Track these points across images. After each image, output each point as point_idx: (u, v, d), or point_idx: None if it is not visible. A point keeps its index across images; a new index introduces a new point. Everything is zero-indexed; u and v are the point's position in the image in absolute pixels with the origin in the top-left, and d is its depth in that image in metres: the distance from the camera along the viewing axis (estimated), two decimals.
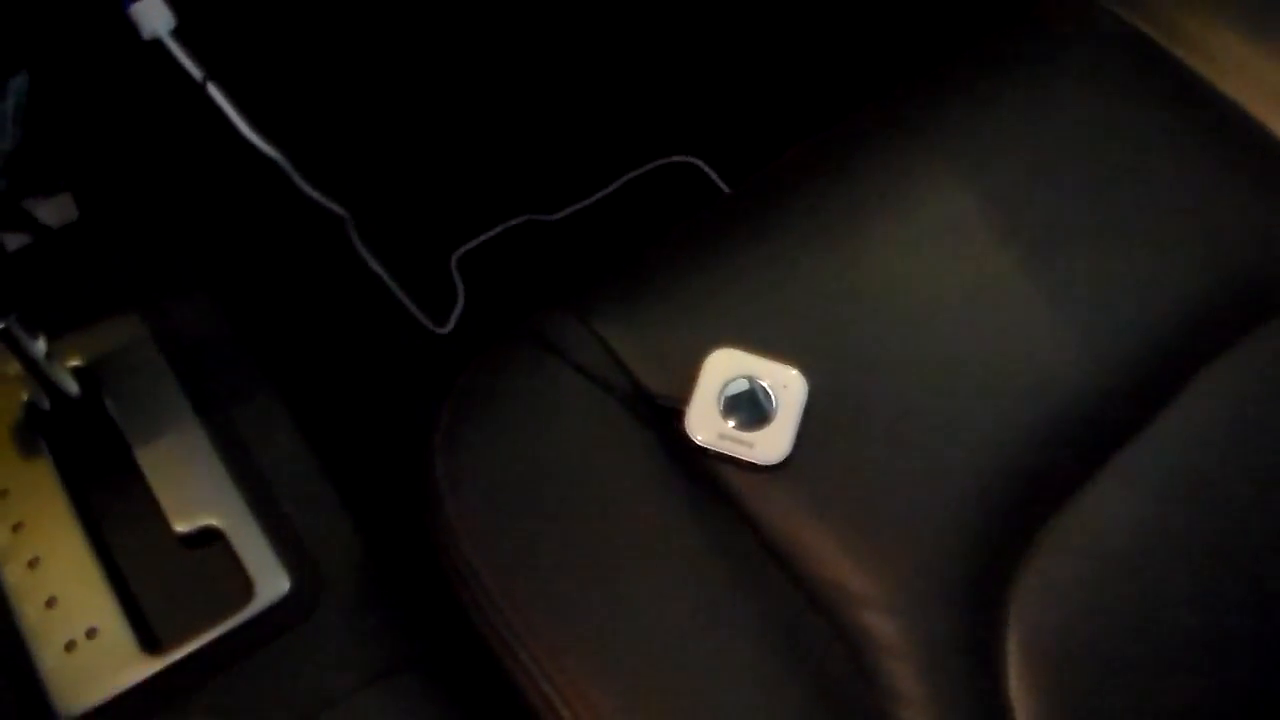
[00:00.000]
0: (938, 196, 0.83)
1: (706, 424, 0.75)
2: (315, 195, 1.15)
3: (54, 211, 1.04)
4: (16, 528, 0.93)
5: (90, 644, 0.88)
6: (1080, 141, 0.85)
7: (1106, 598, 0.70)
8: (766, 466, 0.74)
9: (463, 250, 1.32)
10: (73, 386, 0.95)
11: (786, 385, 0.76)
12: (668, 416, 0.75)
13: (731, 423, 0.75)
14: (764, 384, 0.76)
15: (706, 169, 1.39)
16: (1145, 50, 0.89)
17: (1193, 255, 0.81)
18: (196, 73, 1.00)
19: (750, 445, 0.74)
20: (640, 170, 1.39)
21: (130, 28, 0.98)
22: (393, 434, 1.08)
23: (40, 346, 0.90)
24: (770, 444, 0.74)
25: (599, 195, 1.37)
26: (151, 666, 0.87)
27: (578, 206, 1.37)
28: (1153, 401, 0.76)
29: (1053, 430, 0.75)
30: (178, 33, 0.99)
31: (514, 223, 1.35)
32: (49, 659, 0.88)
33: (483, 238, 1.33)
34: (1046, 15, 0.95)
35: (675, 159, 1.39)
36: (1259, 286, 0.80)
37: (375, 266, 1.25)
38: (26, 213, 1.02)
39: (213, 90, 1.01)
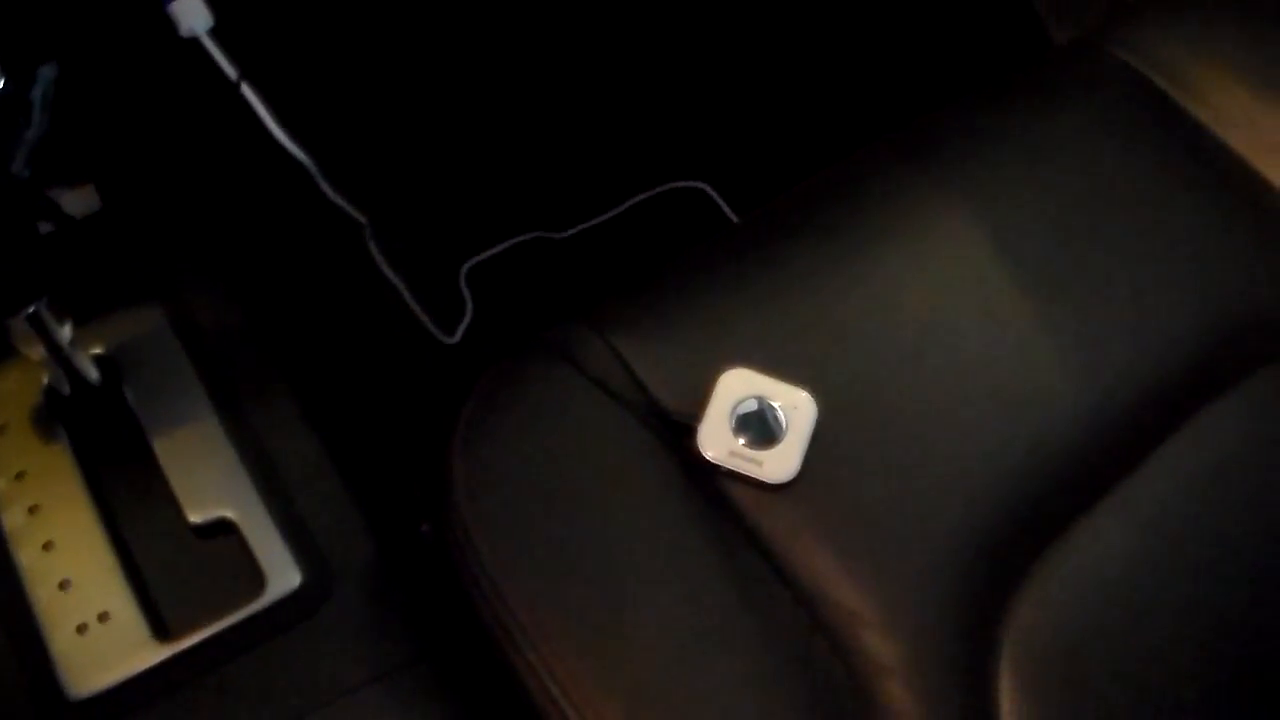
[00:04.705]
0: (948, 232, 0.84)
1: (718, 441, 0.75)
2: (337, 199, 1.16)
3: (77, 201, 1.05)
4: (33, 510, 0.94)
5: (102, 628, 0.89)
6: (1086, 184, 0.87)
7: (1097, 626, 0.72)
8: (775, 485, 0.75)
9: (472, 263, 1.33)
10: (93, 373, 0.97)
11: (796, 407, 0.76)
12: (680, 432, 0.76)
13: (742, 441, 0.75)
14: (775, 405, 0.76)
15: (714, 195, 1.39)
16: (1153, 99, 0.91)
17: (1192, 300, 0.82)
18: (231, 72, 1.01)
19: (759, 464, 0.75)
20: (648, 193, 1.39)
21: (168, 24, 0.99)
22: (400, 436, 1.08)
23: (66, 332, 0.91)
24: (779, 463, 0.75)
25: (606, 216, 1.38)
26: (161, 653, 0.88)
27: (585, 226, 1.37)
28: (1150, 439, 0.77)
29: (1053, 463, 0.76)
30: (215, 32, 1.00)
31: (523, 239, 1.35)
32: (60, 641, 0.89)
33: (492, 251, 1.34)
34: (1059, 60, 0.97)
35: (683, 184, 1.40)
36: (1256, 333, 0.82)
37: (389, 273, 1.26)
38: (51, 201, 1.03)
39: (246, 90, 1.02)
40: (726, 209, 1.39)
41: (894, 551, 0.73)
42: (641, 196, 1.39)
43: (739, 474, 0.75)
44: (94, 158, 1.08)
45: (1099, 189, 0.87)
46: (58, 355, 0.93)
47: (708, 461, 0.75)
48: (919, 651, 0.70)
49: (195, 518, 0.94)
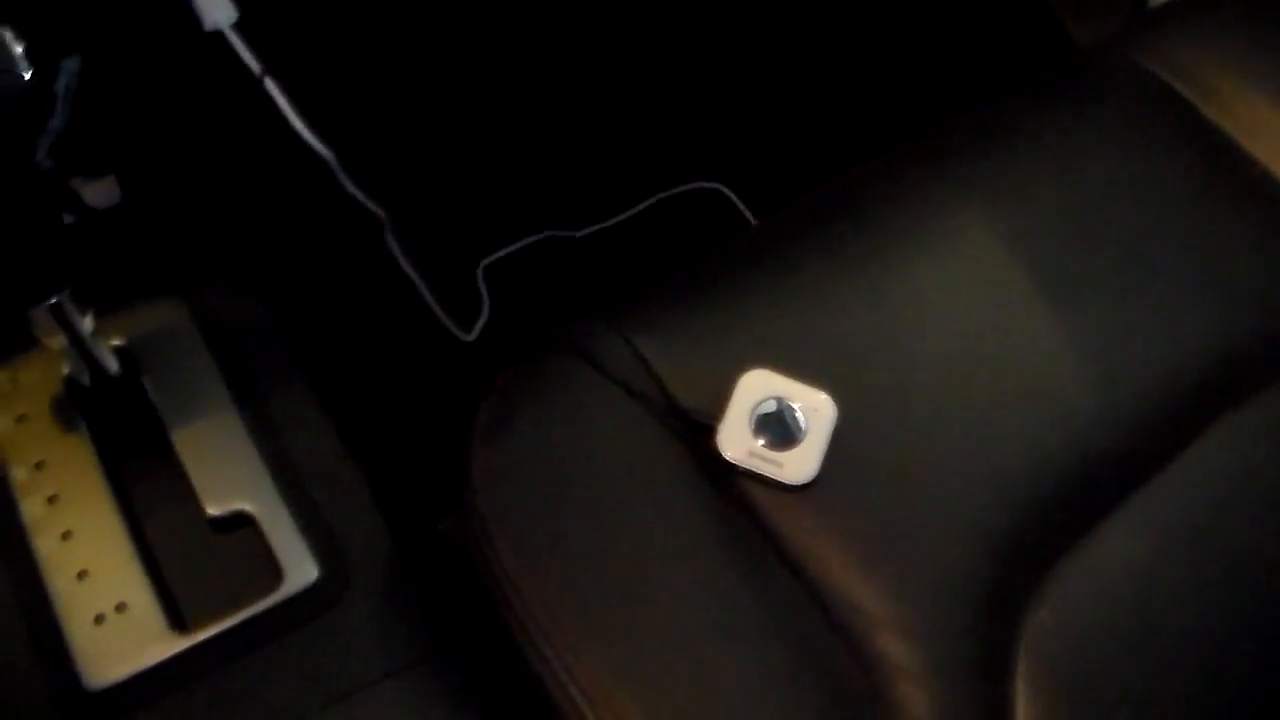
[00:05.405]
0: (968, 236, 0.84)
1: (737, 441, 0.75)
2: (358, 194, 1.16)
3: (98, 193, 1.05)
4: (52, 500, 0.94)
5: (119, 618, 0.90)
6: (1108, 190, 0.87)
7: (1114, 632, 0.72)
8: (794, 486, 0.75)
9: (489, 260, 1.33)
10: (113, 365, 0.97)
11: (817, 409, 0.76)
12: (699, 432, 0.76)
13: (761, 441, 0.75)
14: (795, 406, 0.76)
15: (732, 196, 1.39)
16: (1176, 107, 0.91)
17: (1214, 308, 0.82)
18: (255, 66, 1.02)
19: (779, 465, 0.75)
20: (666, 194, 1.39)
21: (193, 18, 1.00)
22: (417, 433, 1.09)
23: (87, 323, 0.91)
24: (798, 465, 0.75)
25: (624, 216, 1.38)
26: (178, 644, 0.89)
27: (603, 225, 1.37)
28: (1168, 447, 0.77)
29: (1071, 470, 0.76)
30: (239, 26, 1.00)
31: (540, 237, 1.35)
32: (78, 631, 0.89)
33: (509, 249, 1.34)
34: (1083, 66, 0.96)
35: (701, 185, 1.40)
36: (1277, 341, 0.82)
37: (408, 269, 1.26)
38: (73, 193, 1.03)
39: (269, 84, 1.03)
40: (745, 210, 1.39)
41: (911, 554, 0.73)
42: (659, 197, 1.39)
43: (758, 475, 0.75)
44: (116, 150, 1.08)
45: (1119, 195, 0.87)
46: (79, 346, 0.93)
47: (727, 462, 0.75)
48: (935, 654, 0.70)
49: (213, 510, 0.95)
